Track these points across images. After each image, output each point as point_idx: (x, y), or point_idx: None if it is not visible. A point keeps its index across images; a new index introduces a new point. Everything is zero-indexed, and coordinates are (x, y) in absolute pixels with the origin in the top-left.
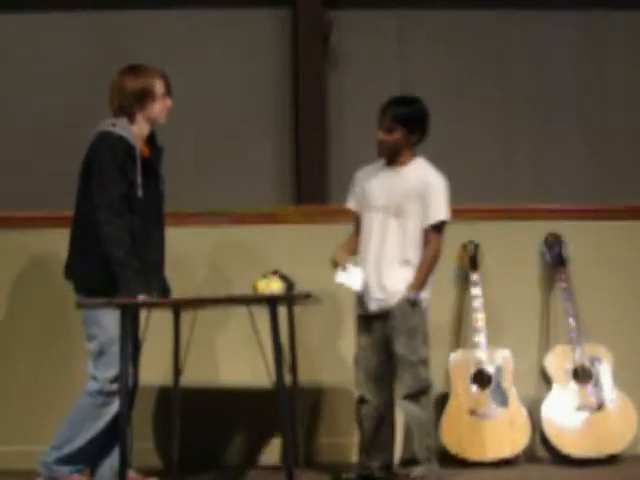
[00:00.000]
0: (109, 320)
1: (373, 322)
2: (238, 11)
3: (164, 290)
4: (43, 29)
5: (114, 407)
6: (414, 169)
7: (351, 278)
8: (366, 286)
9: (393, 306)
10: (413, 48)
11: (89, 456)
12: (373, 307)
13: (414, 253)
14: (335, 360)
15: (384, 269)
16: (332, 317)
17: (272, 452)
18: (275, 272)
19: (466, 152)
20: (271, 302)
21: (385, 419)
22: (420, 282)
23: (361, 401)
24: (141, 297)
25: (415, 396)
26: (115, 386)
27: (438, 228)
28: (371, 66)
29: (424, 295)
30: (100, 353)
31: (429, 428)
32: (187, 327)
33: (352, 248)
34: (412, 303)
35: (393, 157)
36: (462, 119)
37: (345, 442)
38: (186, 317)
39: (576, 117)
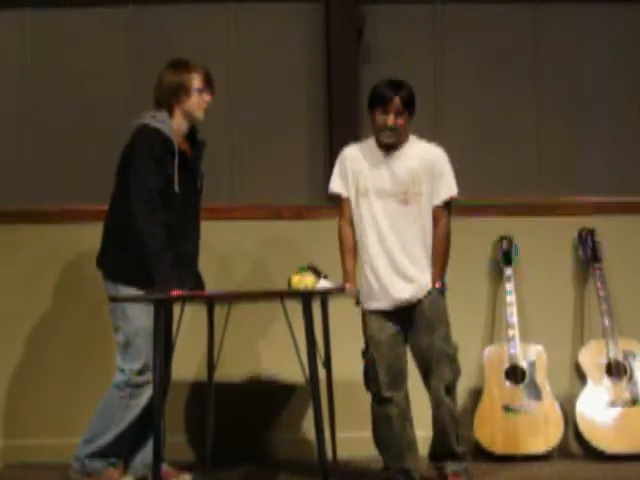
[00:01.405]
0: (135, 312)
1: (391, 317)
2: (272, 5)
3: (198, 285)
4: (83, 24)
5: (143, 399)
6: (413, 148)
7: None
8: (384, 281)
9: (422, 298)
10: (447, 42)
11: (121, 449)
12: (403, 296)
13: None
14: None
15: (409, 260)
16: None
17: (306, 447)
18: (309, 267)
19: (497, 144)
20: (305, 297)
21: (407, 415)
22: (441, 271)
23: (384, 401)
24: (174, 291)
25: (451, 389)
26: (142, 378)
27: (448, 205)
28: (405, 60)
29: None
30: (126, 345)
31: (459, 417)
32: (221, 322)
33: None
34: (441, 292)
35: (399, 142)
36: (495, 112)
37: None
38: (221, 312)
39: (610, 107)
